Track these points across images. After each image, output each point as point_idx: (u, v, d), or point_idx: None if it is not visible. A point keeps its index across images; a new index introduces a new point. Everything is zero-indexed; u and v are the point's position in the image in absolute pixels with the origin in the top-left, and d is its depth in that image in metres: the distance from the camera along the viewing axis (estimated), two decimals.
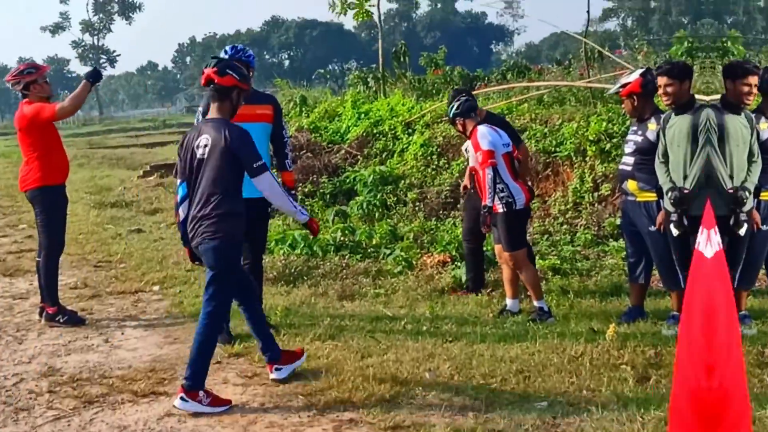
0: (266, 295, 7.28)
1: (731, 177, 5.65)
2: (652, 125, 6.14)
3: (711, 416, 2.24)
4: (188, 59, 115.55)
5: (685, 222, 5.73)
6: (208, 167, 5.05)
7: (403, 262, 8.64)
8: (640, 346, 5.72)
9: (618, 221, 8.57)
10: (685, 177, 5.74)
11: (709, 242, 2.73)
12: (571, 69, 16.59)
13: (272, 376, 5.36)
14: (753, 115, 5.86)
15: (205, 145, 5.06)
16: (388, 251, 9.12)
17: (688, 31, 15.80)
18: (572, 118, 10.76)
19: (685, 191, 5.72)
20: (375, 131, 13.47)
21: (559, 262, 8.33)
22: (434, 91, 15.98)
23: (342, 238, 9.59)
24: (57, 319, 7.02)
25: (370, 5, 17.03)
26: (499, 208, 6.72)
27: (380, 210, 11.24)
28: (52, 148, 7.10)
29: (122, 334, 6.73)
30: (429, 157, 12.03)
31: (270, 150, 6.67)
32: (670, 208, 5.81)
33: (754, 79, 5.91)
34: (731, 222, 5.63)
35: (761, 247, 6.12)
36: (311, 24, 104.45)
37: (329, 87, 28.41)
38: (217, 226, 5.02)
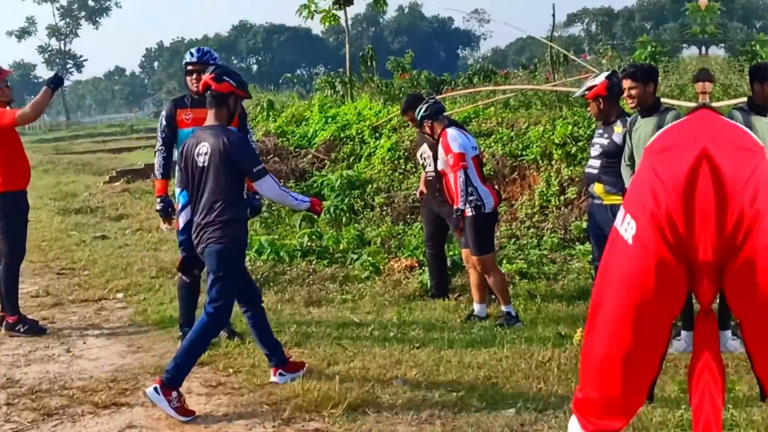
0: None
1: None
2: (618, 128, 6.14)
3: None
4: (156, 64, 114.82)
5: None
6: (210, 174, 5.08)
7: (371, 268, 8.59)
8: None
9: (584, 224, 8.58)
10: None
11: None
12: (536, 73, 16.67)
13: (273, 378, 5.36)
14: None
15: (206, 153, 5.08)
16: (355, 256, 9.06)
17: (651, 35, 15.93)
18: (538, 122, 10.78)
19: None
20: (342, 135, 13.41)
21: (526, 266, 8.33)
22: (401, 95, 15.91)
23: (309, 244, 9.51)
24: (17, 328, 6.88)
25: (336, 9, 16.99)
26: (468, 212, 6.70)
27: (348, 215, 11.17)
28: (13, 153, 6.96)
29: (84, 343, 6.61)
30: (396, 161, 11.99)
31: None
32: None
33: None
34: None
35: None
36: (279, 29, 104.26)
37: (297, 91, 28.33)
38: (222, 231, 5.06)
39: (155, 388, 4.83)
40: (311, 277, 8.47)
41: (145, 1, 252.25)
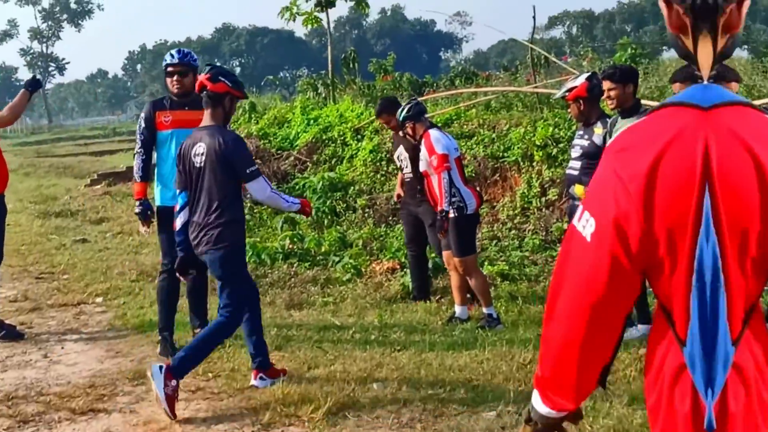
0: (212, 305, 7.11)
1: None
2: (599, 129, 6.15)
3: None
4: (139, 67, 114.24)
5: None
6: (207, 175, 5.11)
7: (352, 270, 8.56)
8: None
9: (566, 226, 8.58)
10: None
11: None
12: (518, 75, 16.73)
13: (253, 382, 5.31)
14: None
15: (202, 153, 5.12)
16: (337, 259, 9.03)
17: (631, 38, 16.06)
18: (519, 123, 10.79)
19: None
20: (324, 137, 13.39)
21: (507, 267, 8.32)
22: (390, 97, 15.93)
23: (291, 246, 9.47)
24: None
25: (318, 12, 16.97)
26: (451, 213, 6.67)
27: (329, 217, 11.15)
28: None
29: (62, 348, 6.54)
30: (378, 163, 11.97)
31: None
32: None
33: None
34: None
35: None
36: (262, 31, 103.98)
37: (280, 94, 28.27)
38: (220, 234, 5.08)
39: (160, 367, 4.84)
40: (292, 279, 8.43)
41: (127, 3, 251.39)
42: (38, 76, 7.93)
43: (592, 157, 6.16)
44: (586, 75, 6.45)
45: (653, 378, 1.72)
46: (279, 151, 13.76)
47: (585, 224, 1.62)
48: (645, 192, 1.51)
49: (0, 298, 7.35)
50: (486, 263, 8.37)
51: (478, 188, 8.00)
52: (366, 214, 10.97)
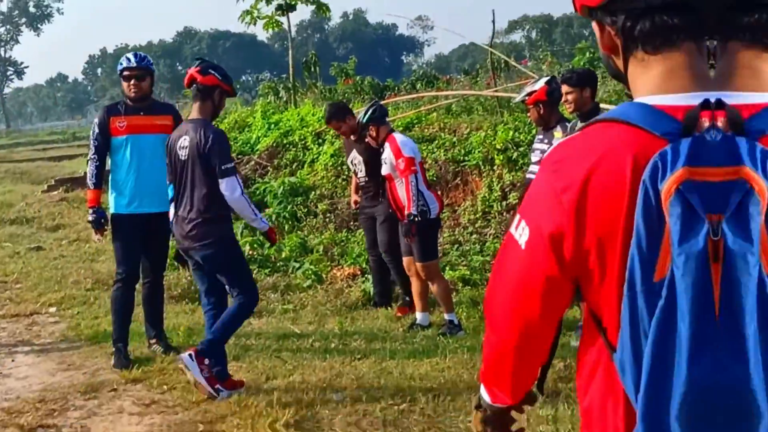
0: (169, 314, 7.00)
1: None
2: (558, 133, 6.13)
3: None
4: (99, 71, 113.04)
5: None
6: (189, 168, 5.12)
7: (313, 276, 8.46)
8: None
9: None
10: None
11: None
12: (478, 79, 16.72)
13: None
14: None
15: (186, 147, 5.11)
16: (297, 265, 8.91)
17: (589, 42, 16.18)
18: (480, 127, 10.74)
19: None
20: (285, 141, 13.25)
21: (469, 272, 8.26)
22: (345, 101, 15.84)
23: (250, 252, 9.32)
24: None
25: (278, 16, 16.84)
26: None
27: (290, 222, 11.01)
28: None
29: (12, 361, 6.35)
30: (339, 167, 11.86)
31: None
32: None
33: None
34: None
35: None
36: (224, 35, 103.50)
37: (241, 98, 28.05)
38: (205, 231, 5.10)
39: (189, 355, 4.86)
40: None
41: (87, 7, 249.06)
42: None
43: None
44: (545, 79, 6.43)
45: (585, 383, 1.73)
46: (239, 156, 13.58)
47: (521, 232, 1.64)
48: (577, 203, 1.50)
49: None
50: (447, 268, 8.30)
51: (439, 192, 7.94)
52: (327, 219, 10.86)
